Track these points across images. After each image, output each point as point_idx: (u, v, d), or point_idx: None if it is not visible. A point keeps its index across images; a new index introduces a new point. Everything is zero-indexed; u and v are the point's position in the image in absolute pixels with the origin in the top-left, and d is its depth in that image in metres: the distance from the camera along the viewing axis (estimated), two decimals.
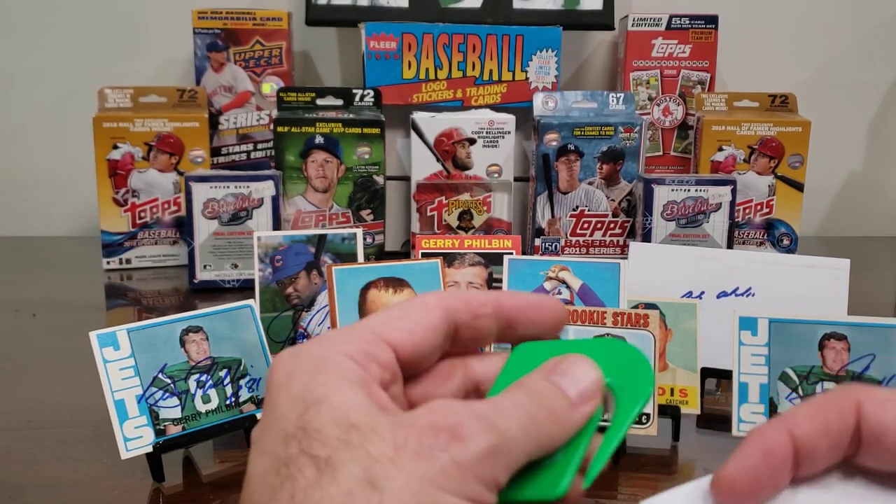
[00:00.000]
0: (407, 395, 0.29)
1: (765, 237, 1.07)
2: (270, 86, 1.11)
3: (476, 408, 0.25)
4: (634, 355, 0.29)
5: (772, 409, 0.54)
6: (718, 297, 0.66)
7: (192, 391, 0.54)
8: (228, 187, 0.92)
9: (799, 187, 1.06)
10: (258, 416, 0.56)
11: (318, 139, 0.97)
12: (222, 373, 0.56)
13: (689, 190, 0.95)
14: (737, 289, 0.66)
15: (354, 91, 1.01)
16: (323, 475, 0.23)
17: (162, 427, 0.53)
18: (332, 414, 0.24)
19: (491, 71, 1.07)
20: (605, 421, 0.28)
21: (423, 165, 1.00)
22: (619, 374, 0.28)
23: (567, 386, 0.27)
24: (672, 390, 0.59)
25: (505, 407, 0.25)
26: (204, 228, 0.92)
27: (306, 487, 0.23)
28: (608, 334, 0.56)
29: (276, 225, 0.94)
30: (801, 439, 0.25)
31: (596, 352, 0.29)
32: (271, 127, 1.03)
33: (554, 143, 0.99)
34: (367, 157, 0.98)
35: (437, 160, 1.00)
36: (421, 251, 0.69)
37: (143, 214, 1.01)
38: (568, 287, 0.64)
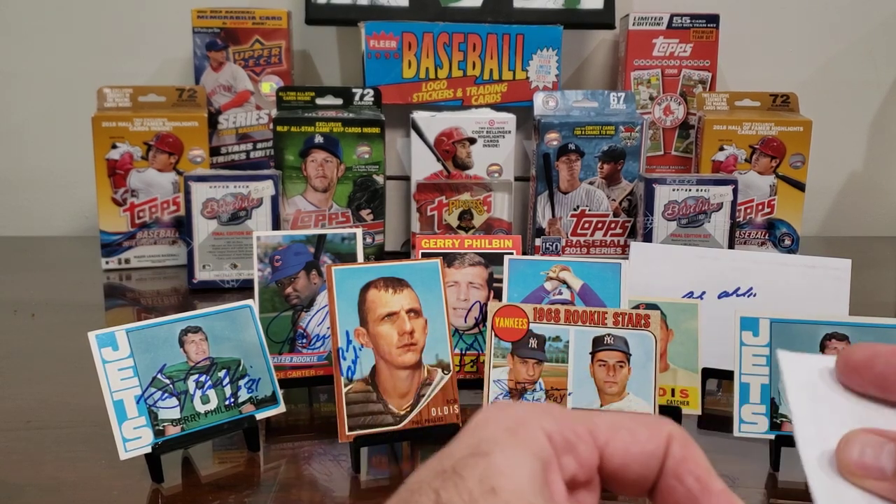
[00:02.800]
0: None
1: (766, 237, 1.07)
2: (270, 85, 1.11)
3: None
4: None
5: (773, 410, 0.54)
6: (720, 297, 0.66)
7: (191, 392, 0.54)
8: (228, 187, 0.92)
9: (800, 187, 1.06)
10: (257, 416, 0.56)
11: (318, 139, 0.97)
12: (221, 373, 0.56)
13: (690, 190, 0.95)
14: (738, 289, 0.66)
15: (354, 90, 1.01)
16: None
17: (161, 427, 0.53)
18: (484, 471, 0.23)
19: (491, 70, 1.07)
20: None
21: (423, 165, 1.00)
22: None
23: None
24: (673, 391, 0.59)
25: None
26: (203, 228, 0.92)
27: None
28: (609, 335, 0.56)
29: (276, 225, 0.94)
30: None
31: None
32: (271, 126, 1.03)
33: (554, 143, 0.99)
34: (366, 156, 0.98)
35: (438, 160, 0.99)
36: (421, 251, 0.69)
37: (142, 214, 1.01)
38: (569, 287, 0.64)
